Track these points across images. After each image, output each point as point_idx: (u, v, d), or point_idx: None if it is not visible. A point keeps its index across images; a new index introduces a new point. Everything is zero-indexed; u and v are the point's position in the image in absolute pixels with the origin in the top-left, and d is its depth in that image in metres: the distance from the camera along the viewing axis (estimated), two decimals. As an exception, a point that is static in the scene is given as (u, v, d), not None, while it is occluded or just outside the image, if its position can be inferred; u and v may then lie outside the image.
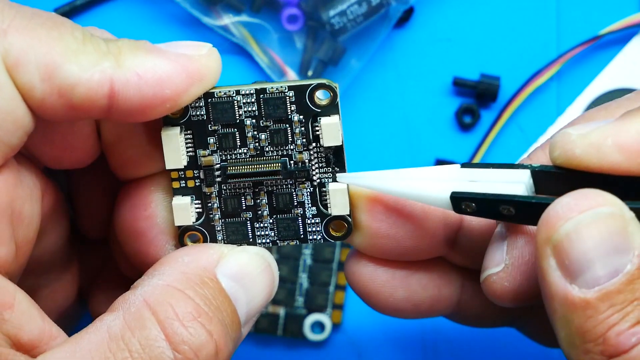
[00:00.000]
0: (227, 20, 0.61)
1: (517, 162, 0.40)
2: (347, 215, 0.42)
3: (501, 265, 0.41)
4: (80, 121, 0.41)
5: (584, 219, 0.35)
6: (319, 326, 0.60)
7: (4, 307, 0.37)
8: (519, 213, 0.38)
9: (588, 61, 0.62)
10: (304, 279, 0.60)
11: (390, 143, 0.62)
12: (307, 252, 0.60)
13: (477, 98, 0.62)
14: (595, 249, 0.35)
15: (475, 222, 0.43)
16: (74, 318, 0.52)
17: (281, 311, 0.60)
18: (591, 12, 0.62)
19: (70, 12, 0.62)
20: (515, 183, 0.39)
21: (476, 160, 0.61)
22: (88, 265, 0.50)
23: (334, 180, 0.42)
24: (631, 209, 0.35)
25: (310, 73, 0.61)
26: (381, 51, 0.62)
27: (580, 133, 0.37)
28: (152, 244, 0.43)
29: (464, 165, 0.40)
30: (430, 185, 0.40)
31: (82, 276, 0.50)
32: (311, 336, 0.60)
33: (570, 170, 0.37)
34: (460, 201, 0.39)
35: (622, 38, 0.62)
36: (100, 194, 0.48)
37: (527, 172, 0.39)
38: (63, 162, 0.43)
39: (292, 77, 0.61)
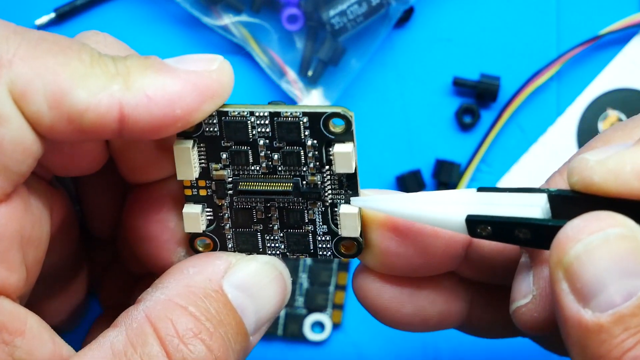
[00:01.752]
0: (227, 20, 0.61)
1: (534, 187, 0.39)
2: (358, 237, 0.42)
3: (529, 296, 0.40)
4: (91, 141, 0.41)
5: (593, 241, 0.35)
6: (319, 326, 0.60)
7: (15, 334, 0.37)
8: (535, 237, 0.38)
9: (588, 61, 0.62)
10: (304, 279, 0.60)
11: (390, 143, 0.62)
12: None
13: (477, 98, 0.62)
14: (607, 271, 0.34)
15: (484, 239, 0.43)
16: (82, 314, 0.52)
17: (281, 311, 0.60)
18: (591, 12, 0.62)
19: (70, 12, 0.62)
20: (532, 206, 0.38)
21: (476, 160, 0.61)
22: (97, 261, 0.50)
23: (347, 202, 0.41)
24: None
25: (310, 73, 0.61)
26: (381, 51, 0.62)
27: (598, 159, 0.36)
28: (163, 248, 0.43)
29: (480, 190, 0.40)
30: (445, 209, 0.39)
31: (91, 272, 0.50)
32: (311, 336, 0.60)
33: (588, 196, 0.37)
34: (475, 225, 0.38)
35: (622, 38, 0.62)
36: (108, 196, 0.48)
37: (544, 196, 0.39)
38: (72, 170, 0.43)
39: (292, 77, 0.61)
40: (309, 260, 0.60)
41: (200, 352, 0.37)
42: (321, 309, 0.60)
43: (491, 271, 0.43)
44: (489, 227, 0.38)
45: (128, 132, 0.38)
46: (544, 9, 0.62)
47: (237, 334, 0.39)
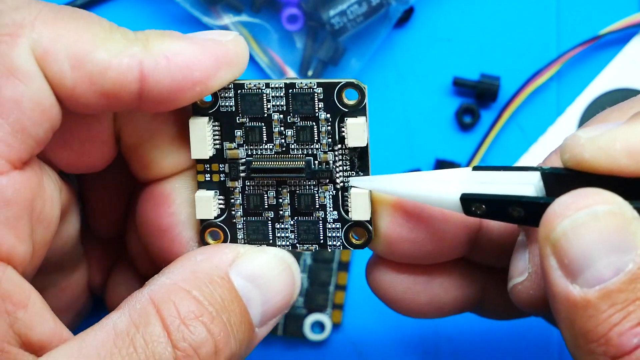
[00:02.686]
0: (227, 20, 0.61)
1: (528, 165, 0.40)
2: (368, 221, 0.42)
3: (525, 274, 0.41)
4: (109, 111, 0.42)
5: (580, 217, 0.35)
6: (319, 326, 0.60)
7: (18, 306, 0.37)
8: (528, 214, 0.38)
9: (588, 61, 0.62)
10: (304, 279, 0.60)
11: (390, 143, 0.62)
12: (307, 252, 0.60)
13: (477, 98, 0.62)
14: (594, 247, 0.35)
15: (494, 222, 0.43)
16: (83, 314, 0.52)
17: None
18: (591, 12, 0.62)
19: (70, 12, 0.62)
20: (525, 185, 0.39)
21: (476, 160, 0.61)
22: (100, 262, 0.51)
23: (350, 184, 0.42)
24: (635, 208, 0.35)
25: (310, 73, 0.61)
26: (381, 51, 0.62)
27: (590, 136, 0.37)
28: (175, 241, 0.43)
29: (475, 169, 0.40)
30: (440, 188, 0.40)
31: (93, 274, 0.50)
32: (311, 336, 0.60)
33: (580, 173, 0.37)
34: (470, 203, 0.39)
35: (622, 38, 0.62)
36: (114, 195, 0.48)
37: (537, 174, 0.39)
38: (79, 167, 0.43)
39: (292, 77, 0.61)
40: (309, 260, 0.60)
41: (200, 333, 0.37)
42: (321, 309, 0.60)
43: (501, 254, 0.44)
44: (483, 206, 0.39)
45: (148, 96, 0.39)
46: (544, 9, 0.62)
47: (240, 322, 0.39)
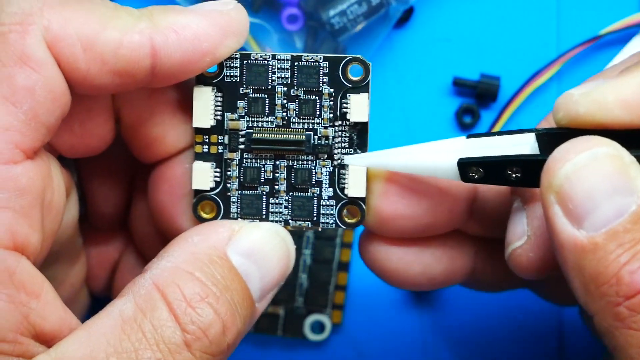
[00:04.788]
0: (227, 20, 0.61)
1: (522, 128, 0.40)
2: (362, 199, 0.42)
3: (524, 238, 0.41)
4: (122, 91, 0.42)
5: (582, 160, 0.35)
6: (319, 326, 0.60)
7: (32, 296, 0.37)
8: (526, 174, 0.39)
9: (588, 61, 0.62)
10: (304, 279, 0.60)
11: (391, 143, 0.62)
12: (307, 252, 0.60)
13: (477, 98, 0.62)
14: (598, 188, 0.35)
15: (489, 192, 0.44)
16: (80, 312, 0.52)
17: (281, 311, 0.60)
18: (591, 12, 0.62)
19: (70, 12, 0.62)
20: (521, 145, 0.39)
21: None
22: (101, 257, 0.51)
23: (349, 163, 0.42)
24: (632, 154, 0.36)
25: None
26: (381, 51, 0.62)
27: (583, 92, 0.37)
28: (194, 220, 0.44)
29: (470, 136, 0.40)
30: (436, 157, 0.40)
31: (94, 269, 0.50)
32: (311, 336, 0.60)
33: (574, 130, 0.38)
34: (467, 167, 0.39)
35: (622, 38, 0.62)
36: (113, 182, 0.48)
37: (532, 135, 0.39)
38: (79, 149, 0.43)
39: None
40: (309, 260, 0.60)
41: (208, 315, 0.38)
42: (321, 309, 0.60)
43: (495, 225, 0.44)
44: (480, 169, 0.39)
45: (160, 70, 0.39)
46: (544, 9, 0.62)
47: (242, 299, 0.40)
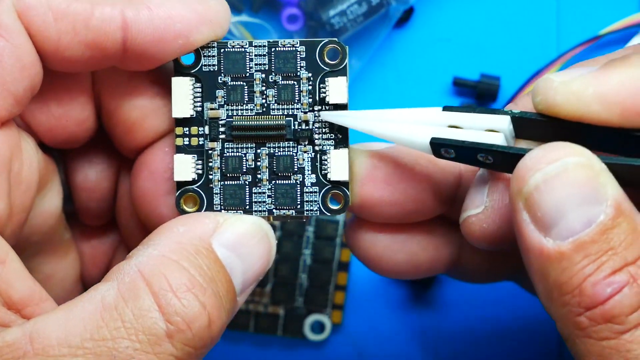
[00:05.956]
0: (227, 20, 0.61)
1: (498, 108, 0.40)
2: (346, 183, 0.42)
3: (481, 207, 0.41)
4: (93, 68, 0.42)
5: (552, 170, 0.35)
6: (319, 326, 0.60)
7: None
8: (497, 162, 0.39)
9: (588, 61, 0.62)
10: (304, 279, 0.60)
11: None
12: (307, 252, 0.61)
13: (477, 98, 0.62)
14: (566, 199, 0.35)
15: (473, 177, 0.44)
16: None
17: (281, 311, 0.60)
18: (591, 12, 0.62)
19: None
20: (495, 131, 0.39)
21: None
22: (95, 253, 0.50)
23: (336, 147, 0.42)
24: (603, 162, 0.35)
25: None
26: (381, 51, 0.62)
27: (563, 80, 0.37)
28: (176, 209, 0.44)
29: (445, 109, 0.40)
30: (411, 129, 0.40)
31: (89, 267, 0.50)
32: (311, 336, 0.60)
33: (550, 119, 0.38)
34: (439, 147, 0.39)
35: (622, 38, 0.62)
36: (99, 176, 0.48)
37: (507, 118, 0.39)
38: (58, 135, 0.43)
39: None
40: (308, 260, 0.60)
41: (194, 307, 0.37)
42: (321, 309, 0.60)
43: None
44: (452, 150, 0.39)
45: (132, 45, 0.39)
46: (544, 9, 0.62)
47: (227, 292, 0.39)
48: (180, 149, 0.43)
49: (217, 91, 0.42)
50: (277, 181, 0.43)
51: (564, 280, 0.35)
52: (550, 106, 0.37)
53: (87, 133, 0.44)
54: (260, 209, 0.43)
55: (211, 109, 0.42)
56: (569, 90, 0.37)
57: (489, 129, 0.39)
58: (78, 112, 0.43)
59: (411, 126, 0.41)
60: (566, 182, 0.35)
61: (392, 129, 0.41)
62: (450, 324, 0.60)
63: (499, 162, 0.39)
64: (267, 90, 0.42)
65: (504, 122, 0.39)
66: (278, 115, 0.42)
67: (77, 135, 0.44)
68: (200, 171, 0.43)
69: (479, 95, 0.61)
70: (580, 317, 0.35)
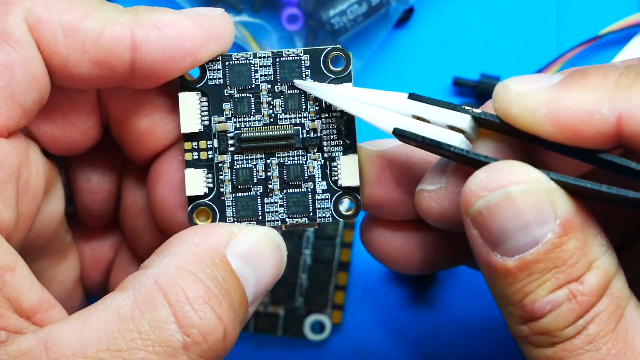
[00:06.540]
0: (227, 20, 0.61)
1: (461, 106, 0.40)
2: (357, 188, 0.42)
3: (436, 186, 0.41)
4: (101, 87, 0.42)
5: (493, 198, 0.36)
6: (319, 326, 0.60)
7: (6, 269, 0.37)
8: (455, 159, 0.40)
9: (588, 61, 0.62)
10: (304, 279, 0.60)
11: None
12: (307, 252, 0.60)
13: (477, 98, 0.62)
14: (510, 224, 0.36)
15: None
16: (74, 308, 0.52)
17: (281, 311, 0.60)
18: (591, 12, 0.62)
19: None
20: (456, 128, 0.39)
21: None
22: (95, 256, 0.50)
23: (345, 153, 0.42)
24: (552, 179, 0.36)
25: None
26: (381, 51, 0.62)
27: (520, 92, 0.37)
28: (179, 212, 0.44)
29: (411, 97, 0.40)
30: (378, 114, 0.40)
31: (89, 270, 0.50)
32: (311, 336, 0.60)
33: (505, 124, 0.38)
34: (401, 137, 0.40)
35: (622, 38, 0.62)
36: (101, 179, 0.48)
37: (468, 117, 0.39)
38: (62, 143, 0.43)
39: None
40: (309, 260, 0.60)
41: (211, 319, 0.37)
42: (321, 309, 0.60)
43: None
44: (413, 142, 0.40)
45: (140, 64, 0.39)
46: (544, 9, 0.62)
47: (240, 303, 0.39)
48: (189, 164, 0.43)
49: (224, 104, 0.42)
50: (288, 190, 0.43)
51: (508, 294, 0.36)
52: (506, 116, 0.38)
53: (91, 141, 0.44)
54: (272, 218, 0.43)
55: (219, 122, 0.42)
56: (523, 105, 0.37)
57: (450, 125, 0.39)
58: (82, 122, 0.43)
59: (378, 111, 0.41)
60: (508, 210, 0.36)
61: (361, 110, 0.41)
62: (450, 324, 0.60)
63: (457, 160, 0.39)
64: (274, 101, 0.42)
65: (464, 121, 0.39)
66: (286, 124, 0.42)
67: (81, 144, 0.44)
68: (211, 184, 0.43)
69: (479, 95, 0.61)
70: (522, 326, 0.37)
